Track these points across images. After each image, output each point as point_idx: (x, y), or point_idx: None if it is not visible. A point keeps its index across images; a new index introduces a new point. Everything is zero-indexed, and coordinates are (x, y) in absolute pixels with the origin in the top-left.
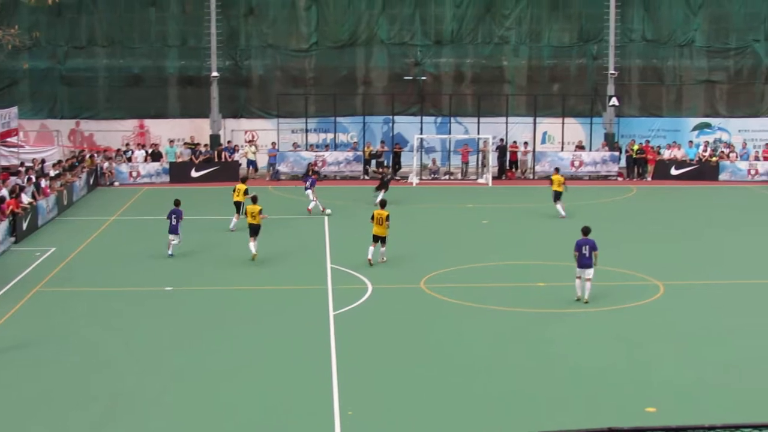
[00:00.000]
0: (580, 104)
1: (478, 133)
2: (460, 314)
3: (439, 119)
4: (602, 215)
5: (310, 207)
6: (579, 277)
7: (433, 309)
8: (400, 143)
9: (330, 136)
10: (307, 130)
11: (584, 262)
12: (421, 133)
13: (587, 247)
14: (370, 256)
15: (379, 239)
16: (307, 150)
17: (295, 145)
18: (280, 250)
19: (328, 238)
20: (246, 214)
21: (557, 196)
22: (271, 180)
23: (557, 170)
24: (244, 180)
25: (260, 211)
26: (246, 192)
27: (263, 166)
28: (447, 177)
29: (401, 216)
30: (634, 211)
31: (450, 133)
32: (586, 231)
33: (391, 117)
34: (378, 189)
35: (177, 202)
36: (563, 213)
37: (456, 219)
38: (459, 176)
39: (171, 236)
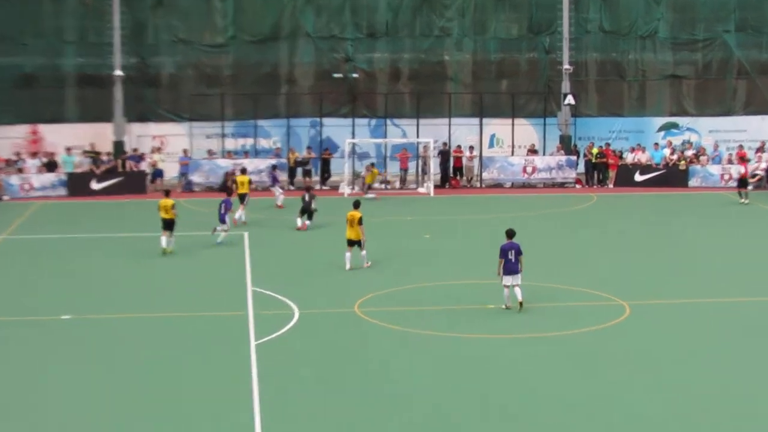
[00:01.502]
0: (532, 103)
1: (418, 137)
2: (399, 341)
3: (374, 121)
4: (560, 227)
5: (279, 203)
6: (507, 286)
7: (367, 336)
8: (329, 148)
9: (250, 141)
10: (223, 135)
11: (511, 268)
12: (353, 137)
13: (513, 251)
14: (348, 265)
15: (354, 243)
16: (223, 157)
17: (211, 153)
18: (193, 272)
19: (248, 256)
20: (159, 207)
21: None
22: (182, 192)
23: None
24: (168, 193)
25: (173, 206)
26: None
27: (173, 176)
28: (383, 186)
29: (333, 231)
30: (595, 221)
31: (386, 137)
32: (510, 234)
33: (318, 119)
34: (302, 213)
35: (228, 192)
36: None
37: (395, 233)
38: (397, 185)
39: (220, 226)
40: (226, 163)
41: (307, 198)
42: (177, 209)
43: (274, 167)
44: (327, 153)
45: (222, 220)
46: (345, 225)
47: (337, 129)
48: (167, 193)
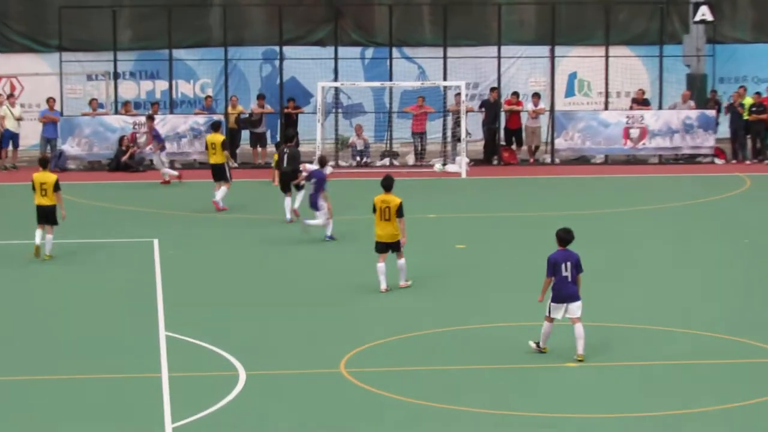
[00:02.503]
0: (639, 21)
1: (445, 78)
2: (413, 422)
3: (369, 51)
4: (685, 231)
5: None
6: (551, 319)
7: (360, 414)
8: (295, 99)
9: (161, 85)
10: (116, 75)
11: (566, 291)
12: (336, 79)
13: (568, 264)
14: (384, 285)
15: (388, 248)
16: (117, 112)
17: (94, 104)
18: (76, 301)
19: (160, 279)
20: (34, 187)
21: None
22: (51, 170)
23: None
24: (45, 164)
25: (56, 185)
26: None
27: (32, 145)
28: (386, 162)
29: (307, 240)
30: (745, 223)
31: (391, 79)
32: (564, 237)
33: (277, 49)
34: (297, 188)
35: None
36: None
37: (410, 241)
38: (409, 160)
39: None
40: (120, 123)
41: (286, 159)
42: (60, 193)
43: (150, 117)
44: (292, 105)
45: (315, 206)
46: (316, 233)
47: (308, 66)
48: (44, 164)
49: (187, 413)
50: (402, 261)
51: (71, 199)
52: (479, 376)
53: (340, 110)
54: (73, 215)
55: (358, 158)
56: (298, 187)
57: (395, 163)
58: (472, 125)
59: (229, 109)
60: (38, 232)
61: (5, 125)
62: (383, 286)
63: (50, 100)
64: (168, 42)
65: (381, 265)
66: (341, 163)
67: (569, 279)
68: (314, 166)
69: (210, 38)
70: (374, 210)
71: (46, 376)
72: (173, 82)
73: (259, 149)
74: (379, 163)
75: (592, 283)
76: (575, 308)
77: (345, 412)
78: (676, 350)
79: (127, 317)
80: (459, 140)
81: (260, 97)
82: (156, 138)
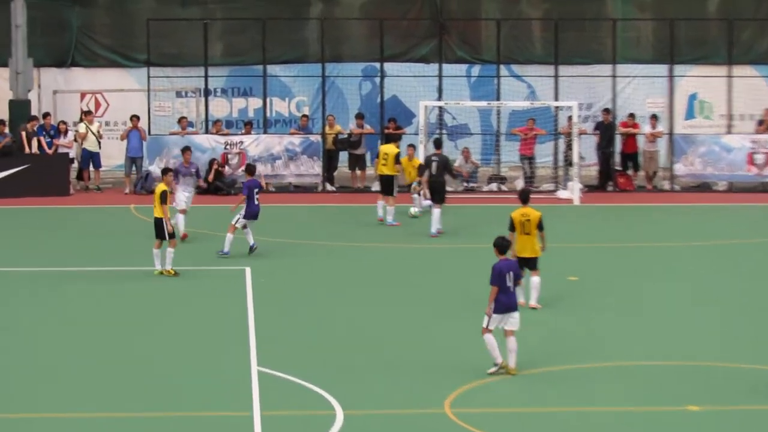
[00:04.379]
0: (764, 40)
1: (556, 98)
2: None
3: (476, 69)
4: None
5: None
6: (490, 330)
7: None
8: (396, 119)
9: (255, 103)
10: (206, 92)
11: (509, 302)
12: (440, 98)
13: (511, 273)
14: (522, 299)
15: (528, 264)
16: (207, 132)
17: (184, 122)
18: (164, 332)
19: (252, 310)
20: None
21: None
22: (135, 193)
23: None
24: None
25: (162, 196)
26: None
27: (116, 165)
28: (493, 187)
29: (401, 269)
30: None
31: (498, 98)
32: (503, 245)
33: (377, 64)
34: (435, 201)
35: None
36: None
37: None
38: (518, 185)
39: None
40: (210, 143)
41: (435, 167)
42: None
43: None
44: (393, 126)
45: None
46: (418, 261)
47: (411, 84)
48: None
49: None
50: (537, 279)
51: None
52: (603, 420)
53: (444, 131)
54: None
55: (464, 183)
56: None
57: (503, 188)
58: (586, 149)
59: (327, 128)
60: (155, 251)
61: (87, 145)
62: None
63: (134, 119)
64: (262, 57)
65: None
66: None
67: (511, 289)
68: None
69: (307, 53)
70: (511, 227)
71: (131, 413)
72: (267, 100)
73: (358, 172)
74: (486, 188)
75: (723, 318)
76: (515, 320)
77: None
78: None
79: (218, 351)
80: (571, 164)
81: (359, 116)
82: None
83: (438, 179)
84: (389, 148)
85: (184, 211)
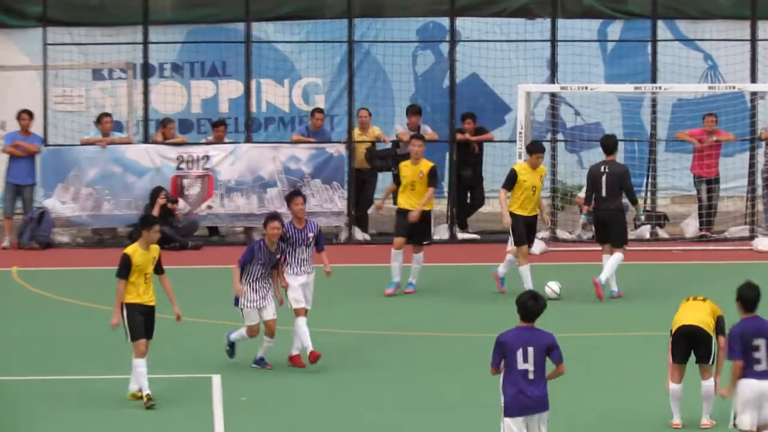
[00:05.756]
0: None
1: (754, 77)
2: None
3: (615, 28)
4: None
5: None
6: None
7: None
8: (475, 115)
9: (231, 89)
10: (147, 70)
11: (525, 397)
12: (553, 79)
13: (532, 351)
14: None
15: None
16: (148, 140)
17: (107, 124)
18: None
19: None
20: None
21: None
22: (20, 246)
23: None
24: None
25: (155, 263)
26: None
27: None
28: (644, 233)
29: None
30: None
31: (654, 78)
32: (529, 307)
33: (445, 22)
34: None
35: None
36: None
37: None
38: (689, 229)
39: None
40: (154, 160)
41: (605, 183)
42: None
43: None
44: (471, 127)
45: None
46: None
47: (503, 54)
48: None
49: None
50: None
51: (69, 302)
52: None
53: (561, 138)
54: (85, 331)
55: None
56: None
57: (662, 234)
58: None
59: (356, 132)
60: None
61: None
62: (676, 419)
63: (23, 116)
64: (244, 10)
65: (676, 388)
66: (567, 235)
67: (532, 374)
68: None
69: (321, 2)
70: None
71: None
72: (252, 84)
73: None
74: (633, 234)
75: None
76: (542, 420)
77: None
78: None
79: None
80: None
81: (413, 111)
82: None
83: (611, 207)
84: (407, 168)
85: None
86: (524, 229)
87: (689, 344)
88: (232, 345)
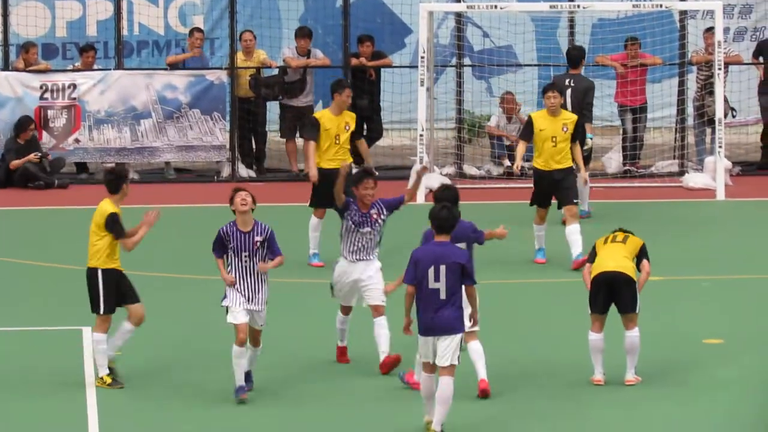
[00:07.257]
0: None
1: None
2: None
3: None
4: None
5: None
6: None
7: None
8: (374, 38)
9: (100, 9)
10: None
11: (436, 317)
12: None
13: (444, 268)
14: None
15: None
16: (8, 67)
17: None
18: None
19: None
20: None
21: None
22: None
23: None
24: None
25: (109, 221)
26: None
27: None
28: (634, 171)
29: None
30: None
31: None
32: (444, 218)
33: None
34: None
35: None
36: None
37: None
38: (611, 165)
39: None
40: (16, 88)
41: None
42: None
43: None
44: (368, 52)
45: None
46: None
47: None
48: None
49: None
50: (635, 333)
51: None
52: None
53: (468, 62)
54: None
55: (507, 160)
56: None
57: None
58: (738, 94)
59: (239, 56)
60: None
61: None
62: (598, 375)
63: None
64: None
65: (597, 338)
66: (475, 171)
67: (442, 293)
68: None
69: None
70: (592, 257)
71: None
72: (123, 3)
73: (300, 142)
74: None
75: None
76: (450, 343)
77: None
78: None
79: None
80: (710, 124)
81: (302, 34)
82: None
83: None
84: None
85: None
86: (546, 188)
87: (610, 292)
88: None
